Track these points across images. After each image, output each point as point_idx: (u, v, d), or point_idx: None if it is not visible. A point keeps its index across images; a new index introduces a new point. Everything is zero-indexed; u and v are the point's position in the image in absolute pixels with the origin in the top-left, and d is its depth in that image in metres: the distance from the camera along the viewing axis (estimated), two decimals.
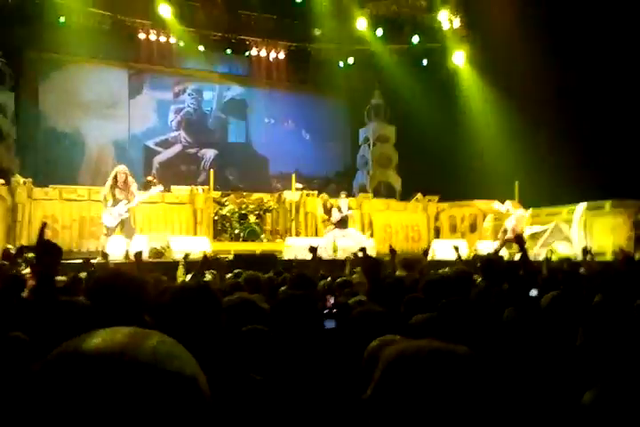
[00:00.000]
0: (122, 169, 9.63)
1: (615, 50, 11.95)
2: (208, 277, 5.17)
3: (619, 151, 11.97)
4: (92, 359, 0.62)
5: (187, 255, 6.36)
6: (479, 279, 5.03)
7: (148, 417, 0.60)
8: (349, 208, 12.22)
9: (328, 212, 12.35)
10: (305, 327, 2.29)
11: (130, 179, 9.63)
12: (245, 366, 1.93)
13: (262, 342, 2.18)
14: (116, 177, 9.46)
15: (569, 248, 11.69)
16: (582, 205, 12.14)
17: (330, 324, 2.60)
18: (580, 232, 12.03)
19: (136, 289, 2.14)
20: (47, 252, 2.40)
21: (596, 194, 11.82)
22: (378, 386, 0.93)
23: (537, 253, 11.17)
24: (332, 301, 2.68)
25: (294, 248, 11.14)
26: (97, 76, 16.20)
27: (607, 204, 11.96)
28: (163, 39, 15.82)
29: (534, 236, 12.54)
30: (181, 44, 16.05)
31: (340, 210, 11.90)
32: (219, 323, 2.07)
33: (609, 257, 10.61)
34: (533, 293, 3.66)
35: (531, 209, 12.88)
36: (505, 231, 11.58)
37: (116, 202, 9.36)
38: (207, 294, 2.27)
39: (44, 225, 3.74)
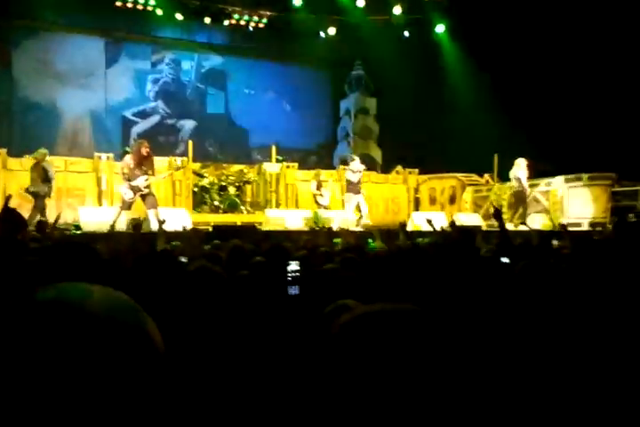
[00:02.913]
0: (144, 142, 9.37)
1: (592, 26, 11.91)
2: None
3: (595, 125, 12.04)
4: (46, 310, 0.63)
5: (162, 222, 6.28)
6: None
7: (98, 367, 0.61)
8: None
9: (319, 188, 12.38)
10: (267, 294, 2.31)
11: (151, 154, 9.38)
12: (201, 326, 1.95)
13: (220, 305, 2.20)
14: (138, 151, 9.21)
15: (546, 219, 11.84)
16: (560, 178, 12.25)
17: (294, 290, 2.62)
18: (557, 204, 12.17)
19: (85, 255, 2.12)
20: (10, 220, 2.40)
21: (574, 167, 11.92)
22: (331, 351, 0.92)
23: (515, 223, 11.30)
24: (295, 267, 2.68)
25: (274, 219, 11.17)
26: (72, 44, 15.80)
27: (584, 176, 12.10)
28: (140, 7, 15.43)
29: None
30: (159, 12, 15.68)
31: (353, 172, 11.69)
32: (177, 288, 2.10)
33: (586, 228, 10.80)
34: (505, 260, 3.74)
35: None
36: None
37: (135, 176, 9.18)
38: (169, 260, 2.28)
39: (8, 197, 4.02)
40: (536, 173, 12.54)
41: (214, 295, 2.19)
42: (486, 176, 14.36)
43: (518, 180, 11.51)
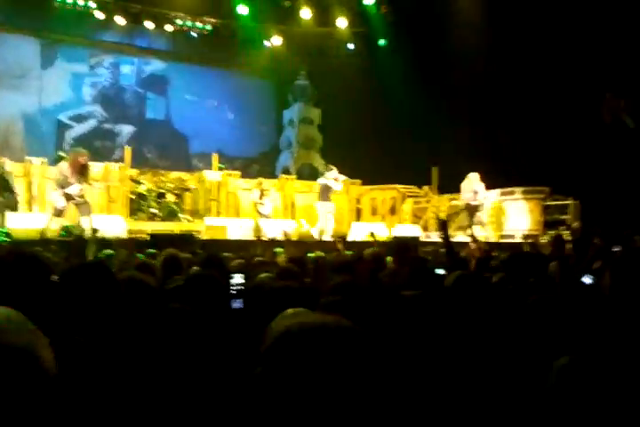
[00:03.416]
0: (82, 152, 9.28)
1: (536, 43, 12.37)
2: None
3: (530, 142, 12.47)
4: None
5: (95, 231, 6.07)
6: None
7: None
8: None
9: (261, 197, 12.28)
10: (210, 307, 2.22)
11: (88, 163, 9.34)
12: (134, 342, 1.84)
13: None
14: (75, 160, 9.06)
15: (482, 231, 12.13)
16: (495, 191, 12.61)
17: (237, 304, 2.53)
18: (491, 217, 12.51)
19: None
20: None
21: (508, 181, 12.30)
22: (266, 362, 0.93)
23: (453, 235, 11.52)
24: (239, 280, 2.59)
25: (214, 228, 10.99)
26: (5, 44, 15.15)
27: (518, 190, 12.53)
28: (79, 9, 14.97)
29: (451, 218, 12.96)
30: (99, 15, 15.23)
31: (336, 179, 11.84)
32: (111, 300, 2.00)
33: (519, 239, 11.13)
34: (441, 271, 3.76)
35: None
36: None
37: (69, 184, 8.98)
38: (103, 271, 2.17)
39: None
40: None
41: (143, 307, 2.08)
42: (425, 188, 14.63)
43: (476, 193, 11.56)
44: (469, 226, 11.55)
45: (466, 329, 2.27)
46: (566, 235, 10.14)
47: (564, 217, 12.03)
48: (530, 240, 9.78)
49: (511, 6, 12.79)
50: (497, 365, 1.66)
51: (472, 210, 11.71)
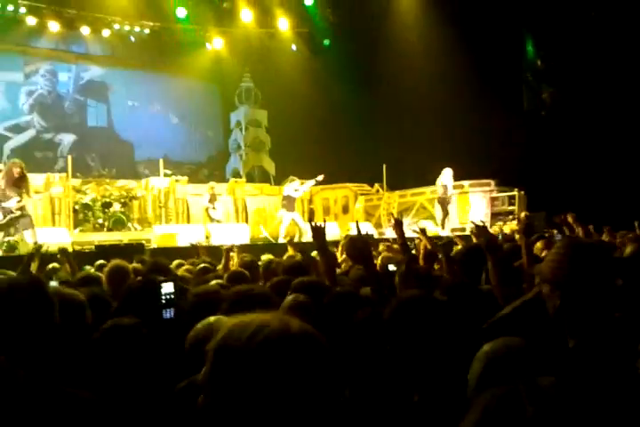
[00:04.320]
0: (17, 163, 8.76)
1: (473, 40, 12.60)
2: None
3: (474, 137, 12.70)
4: None
5: (39, 247, 5.81)
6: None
7: None
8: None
9: (212, 201, 12.11)
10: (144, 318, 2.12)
11: (25, 174, 8.79)
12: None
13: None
14: (10, 172, 8.59)
15: (434, 226, 12.28)
16: None
17: (168, 313, 2.42)
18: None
19: None
20: None
21: (456, 175, 12.48)
22: (211, 363, 0.89)
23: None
24: (169, 288, 2.47)
25: (164, 236, 10.74)
26: None
27: (466, 184, 12.76)
28: (10, 15, 14.38)
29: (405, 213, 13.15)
30: (30, 21, 14.66)
31: (296, 189, 12.07)
32: (49, 319, 1.89)
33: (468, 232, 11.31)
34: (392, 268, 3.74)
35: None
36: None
37: (6, 197, 8.52)
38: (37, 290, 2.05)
39: None
40: (423, 181, 13.05)
41: (76, 323, 1.96)
42: (376, 186, 14.72)
43: (445, 187, 12.03)
44: (443, 218, 12.17)
45: (421, 326, 2.24)
46: (513, 225, 10.40)
47: (511, 208, 12.31)
48: (458, 233, 10.00)
49: (450, 6, 13.02)
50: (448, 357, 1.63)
51: (443, 203, 12.14)
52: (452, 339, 1.65)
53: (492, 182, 12.67)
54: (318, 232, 3.17)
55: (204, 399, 0.89)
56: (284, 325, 0.89)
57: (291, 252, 6.23)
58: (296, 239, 11.30)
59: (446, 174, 12.03)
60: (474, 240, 6.33)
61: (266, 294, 2.53)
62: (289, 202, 12.07)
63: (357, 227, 2.89)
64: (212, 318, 1.91)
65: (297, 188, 12.21)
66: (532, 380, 0.78)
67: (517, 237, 4.89)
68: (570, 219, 4.90)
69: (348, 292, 2.59)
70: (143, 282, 2.96)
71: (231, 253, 5.35)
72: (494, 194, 12.72)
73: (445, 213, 12.20)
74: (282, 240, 11.60)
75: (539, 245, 4.25)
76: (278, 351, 0.85)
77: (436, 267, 4.21)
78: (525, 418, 0.72)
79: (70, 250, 7.81)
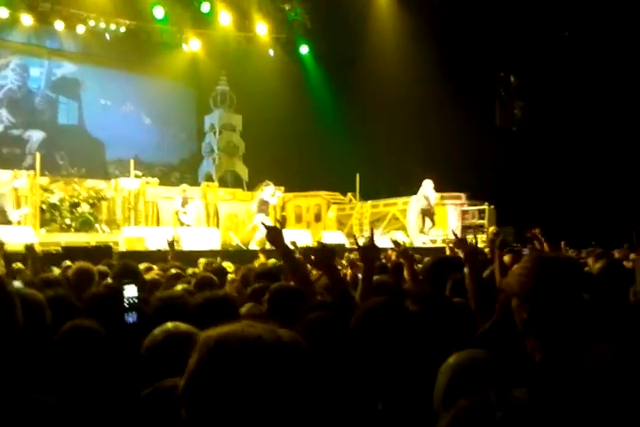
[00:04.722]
0: None
1: (450, 50, 12.78)
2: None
3: (448, 150, 12.85)
4: None
5: (31, 246, 5.49)
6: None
7: None
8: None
9: (184, 205, 11.95)
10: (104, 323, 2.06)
11: None
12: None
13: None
14: None
15: (405, 236, 12.34)
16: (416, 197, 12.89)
17: (131, 318, 2.37)
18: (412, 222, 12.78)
19: None
20: None
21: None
22: (195, 374, 0.87)
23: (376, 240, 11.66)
24: (132, 292, 2.41)
25: (132, 239, 10.57)
26: None
27: (437, 196, 12.87)
28: None
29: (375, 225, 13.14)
30: (2, 13, 14.33)
31: (272, 195, 12.23)
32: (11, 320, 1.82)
33: (440, 243, 11.42)
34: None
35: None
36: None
37: None
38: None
39: None
40: (394, 192, 13.13)
41: (35, 324, 1.90)
42: (349, 195, 14.74)
43: (427, 198, 12.26)
44: (426, 229, 12.46)
45: (387, 333, 2.22)
46: (483, 239, 10.52)
47: (480, 222, 12.46)
48: (450, 245, 10.02)
49: (427, 13, 13.19)
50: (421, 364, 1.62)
51: (425, 214, 12.38)
52: (419, 347, 1.64)
53: (463, 196, 12.83)
54: (275, 234, 2.68)
55: (187, 413, 0.86)
56: (275, 335, 0.88)
57: (262, 259, 6.19)
58: (268, 246, 11.23)
59: (427, 186, 12.28)
60: (447, 252, 6.39)
61: (230, 300, 2.49)
62: (266, 207, 12.11)
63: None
64: (169, 324, 1.87)
65: (273, 192, 12.29)
66: (503, 390, 0.79)
67: (487, 250, 4.95)
68: (536, 233, 5.00)
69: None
70: (108, 285, 2.89)
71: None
72: (465, 207, 12.86)
73: (432, 224, 12.49)
74: (253, 246, 11.53)
75: (506, 258, 4.30)
76: (275, 363, 0.85)
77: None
78: (494, 421, 0.73)
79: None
